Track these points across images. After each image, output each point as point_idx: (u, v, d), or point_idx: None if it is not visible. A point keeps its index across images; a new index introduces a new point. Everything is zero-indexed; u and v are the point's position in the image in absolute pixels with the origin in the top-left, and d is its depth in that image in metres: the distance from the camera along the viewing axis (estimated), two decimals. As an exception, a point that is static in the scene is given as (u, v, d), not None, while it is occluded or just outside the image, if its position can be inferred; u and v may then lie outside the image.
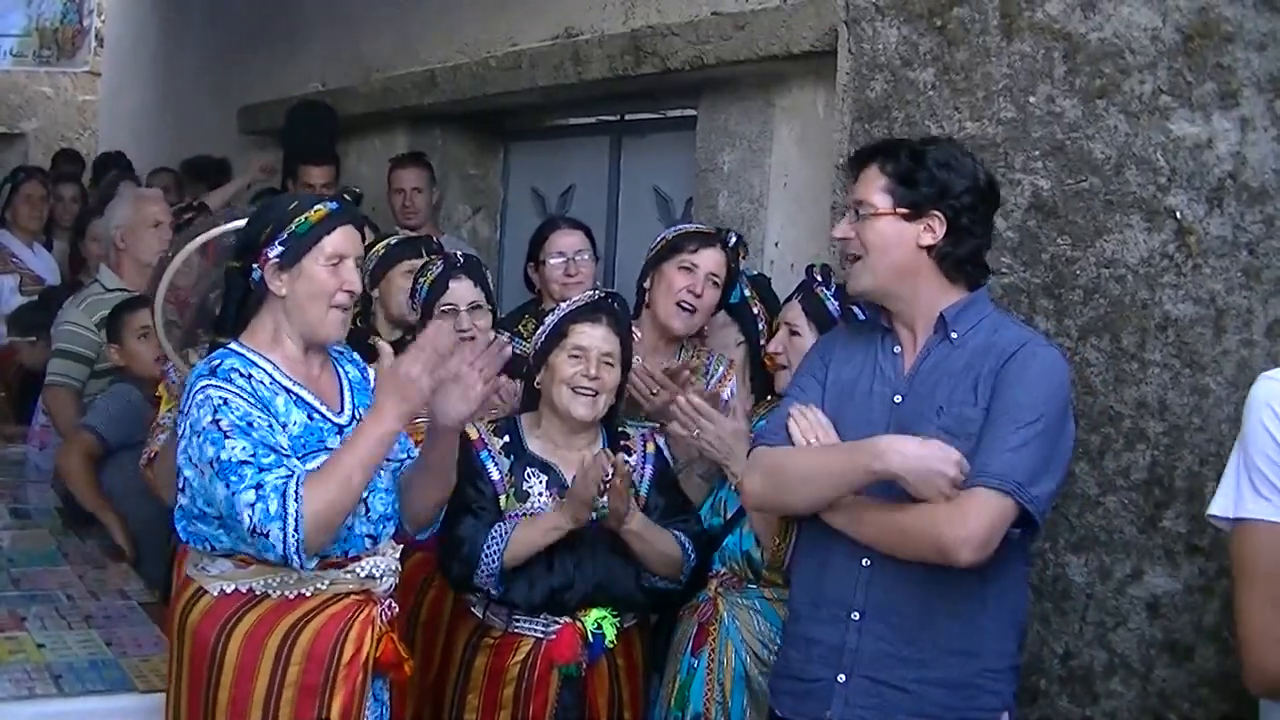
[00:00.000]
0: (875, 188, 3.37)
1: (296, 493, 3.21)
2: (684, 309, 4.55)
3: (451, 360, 3.41)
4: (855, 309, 3.95)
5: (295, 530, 3.20)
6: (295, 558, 3.24)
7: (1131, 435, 3.82)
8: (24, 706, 3.74)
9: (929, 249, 3.35)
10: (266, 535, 3.21)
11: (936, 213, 3.33)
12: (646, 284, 4.68)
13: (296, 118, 8.43)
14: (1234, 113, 3.65)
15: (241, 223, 4.46)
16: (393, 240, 5.45)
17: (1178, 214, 3.73)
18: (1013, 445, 3.17)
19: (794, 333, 4.06)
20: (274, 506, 3.20)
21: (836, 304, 4.01)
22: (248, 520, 3.21)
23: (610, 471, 3.87)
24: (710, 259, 4.57)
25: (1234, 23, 3.64)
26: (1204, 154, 3.70)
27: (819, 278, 4.10)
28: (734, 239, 4.69)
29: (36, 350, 6.86)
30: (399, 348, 4.38)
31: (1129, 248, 3.83)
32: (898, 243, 3.35)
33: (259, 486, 3.21)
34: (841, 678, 3.35)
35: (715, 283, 4.57)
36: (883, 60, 4.46)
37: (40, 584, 4.78)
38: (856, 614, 3.34)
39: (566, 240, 5.30)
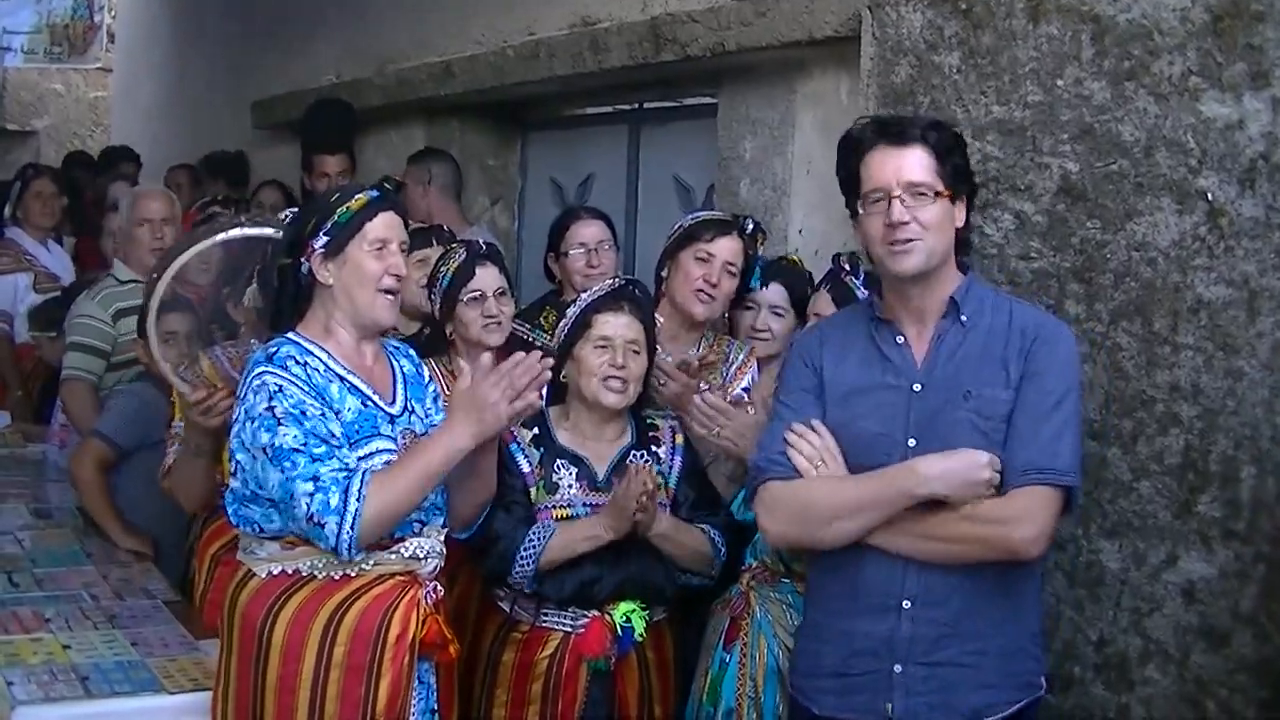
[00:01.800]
0: (927, 169, 3.33)
1: (360, 492, 3.33)
2: (702, 298, 4.54)
3: (529, 394, 3.48)
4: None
5: (351, 527, 3.33)
6: (346, 552, 3.37)
7: (1165, 419, 3.78)
8: (51, 708, 3.71)
9: (957, 231, 3.38)
10: (322, 526, 3.33)
11: (964, 194, 3.38)
12: (664, 272, 4.67)
13: (313, 115, 8.42)
14: (1265, 93, 3.61)
15: (239, 232, 4.43)
16: None
17: (1209, 196, 3.70)
18: (1058, 435, 3.22)
19: (826, 324, 4.03)
20: (334, 500, 3.31)
21: (866, 292, 3.97)
22: (304, 508, 3.32)
23: (648, 485, 3.85)
24: (726, 248, 4.56)
25: (1264, 1, 3.61)
26: (1235, 135, 3.66)
27: (846, 267, 4.07)
28: (751, 226, 4.66)
29: (57, 346, 6.82)
30: (417, 340, 4.39)
31: (1160, 230, 3.79)
32: (948, 225, 3.36)
33: (316, 478, 3.32)
34: (898, 668, 3.32)
35: (731, 272, 4.56)
36: (907, 45, 4.42)
37: (64, 584, 4.75)
38: (907, 602, 3.32)
39: (588, 231, 5.28)
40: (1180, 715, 3.74)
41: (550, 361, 3.57)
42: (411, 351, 3.88)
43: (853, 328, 3.53)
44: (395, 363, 3.75)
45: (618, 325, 4.09)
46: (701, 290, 4.52)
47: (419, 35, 8.07)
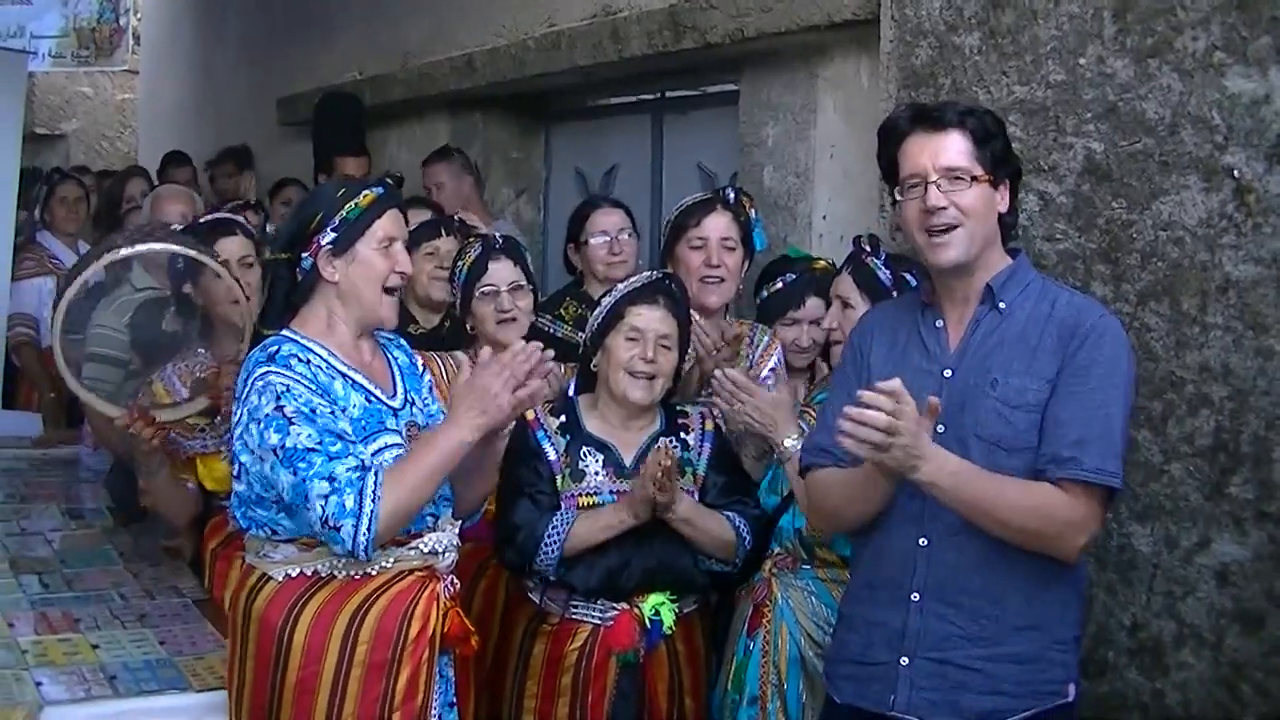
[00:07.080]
0: (965, 154, 3.29)
1: (375, 493, 3.26)
2: (710, 283, 4.52)
3: (532, 382, 3.42)
4: (908, 276, 3.90)
5: (368, 529, 3.26)
6: (363, 554, 3.30)
7: (1195, 401, 3.74)
8: (80, 708, 3.71)
9: (1000, 216, 3.34)
10: (338, 529, 3.25)
11: (1006, 178, 3.34)
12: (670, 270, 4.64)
13: (324, 110, 8.44)
14: (1291, 67, 3.57)
15: (128, 251, 4.42)
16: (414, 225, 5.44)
17: (1236, 173, 3.65)
18: (1113, 436, 3.16)
19: (847, 305, 4.01)
20: (350, 502, 3.24)
21: (888, 272, 3.94)
22: (319, 510, 3.25)
23: (664, 462, 3.82)
24: (715, 225, 4.55)
25: (1289, -27, 3.57)
26: (1261, 110, 3.61)
27: (867, 248, 4.04)
28: (732, 194, 4.63)
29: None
30: (438, 333, 4.36)
31: (1186, 209, 3.75)
32: (989, 210, 3.32)
33: (332, 479, 3.25)
34: (904, 661, 3.29)
35: (729, 246, 4.55)
36: (927, 26, 4.38)
37: (94, 584, 4.75)
38: (916, 595, 3.29)
39: (608, 219, 5.25)
40: (1215, 699, 3.71)
41: (551, 353, 3.50)
42: (403, 342, 3.83)
43: (904, 312, 3.51)
44: (390, 355, 3.71)
45: (651, 318, 4.05)
46: (706, 277, 4.50)
47: (440, 29, 8.08)
